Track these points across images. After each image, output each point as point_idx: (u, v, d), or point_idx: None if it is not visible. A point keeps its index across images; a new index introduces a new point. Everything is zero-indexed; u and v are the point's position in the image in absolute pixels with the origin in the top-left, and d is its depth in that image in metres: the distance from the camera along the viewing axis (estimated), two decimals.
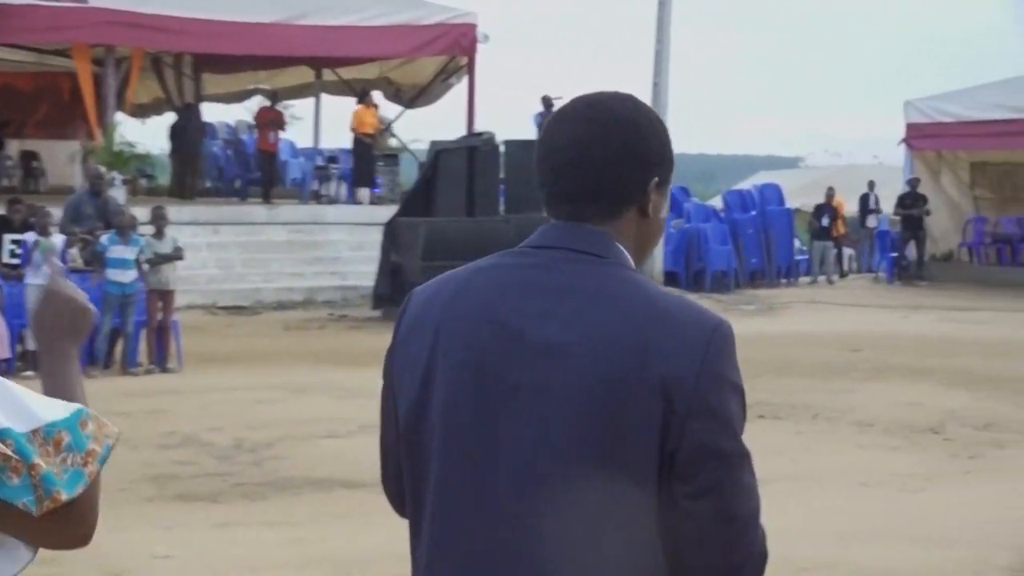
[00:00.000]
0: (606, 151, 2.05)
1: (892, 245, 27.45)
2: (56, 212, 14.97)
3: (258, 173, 24.64)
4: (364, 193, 23.73)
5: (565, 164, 2.06)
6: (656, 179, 2.08)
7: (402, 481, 2.14)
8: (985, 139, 26.34)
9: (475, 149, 18.55)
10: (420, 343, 2.08)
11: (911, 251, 26.51)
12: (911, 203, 26.33)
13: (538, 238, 2.09)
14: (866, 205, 28.62)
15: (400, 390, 2.11)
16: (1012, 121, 25.51)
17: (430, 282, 2.14)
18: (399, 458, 2.14)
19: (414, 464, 2.09)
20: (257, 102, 27.39)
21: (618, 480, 1.94)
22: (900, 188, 27.14)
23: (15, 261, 14.13)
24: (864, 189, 29.07)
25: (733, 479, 1.97)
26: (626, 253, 2.08)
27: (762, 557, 2.02)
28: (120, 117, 22.71)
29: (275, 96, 25.32)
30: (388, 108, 26.39)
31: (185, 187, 24.23)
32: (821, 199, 27.57)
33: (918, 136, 27.16)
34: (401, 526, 2.26)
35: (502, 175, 18.87)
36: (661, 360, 1.95)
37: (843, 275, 27.36)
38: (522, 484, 1.98)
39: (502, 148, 19.02)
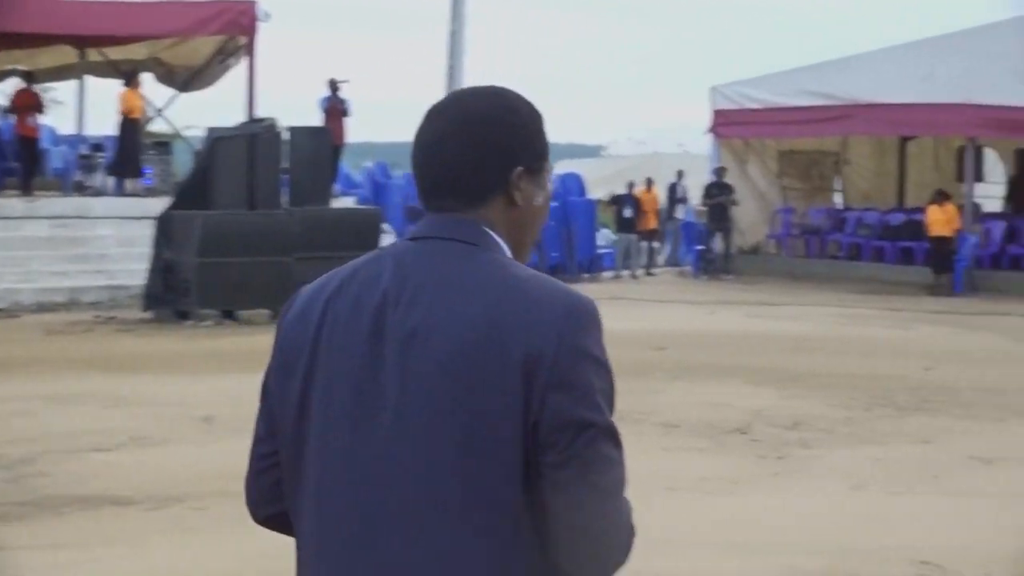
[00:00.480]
0: (457, 145, 2.29)
1: (698, 238, 28.08)
2: None
3: (15, 162, 23.94)
4: (133, 184, 23.25)
5: (425, 160, 2.32)
6: (520, 168, 2.31)
7: (269, 476, 2.36)
8: (793, 126, 27.15)
9: (256, 136, 18.36)
10: (303, 339, 2.30)
11: (717, 244, 27.18)
12: (717, 193, 27.00)
13: (415, 230, 2.33)
14: (674, 195, 29.17)
15: (281, 386, 2.32)
16: (820, 108, 26.36)
17: (317, 280, 2.36)
18: (271, 451, 2.35)
19: (295, 461, 2.30)
20: (13, 84, 26.61)
21: (483, 459, 2.16)
22: (707, 178, 27.80)
23: None
24: (670, 178, 29.69)
25: (593, 449, 2.15)
26: (498, 239, 2.30)
27: (629, 529, 2.20)
28: None
29: (32, 77, 24.63)
30: (160, 91, 25.94)
31: None
32: (624, 189, 28.02)
33: (725, 123, 27.85)
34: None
35: (285, 164, 18.71)
36: (520, 337, 2.16)
37: (649, 270, 27.90)
38: (387, 471, 2.19)
39: (285, 135, 18.85)
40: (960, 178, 26.95)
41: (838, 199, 30.68)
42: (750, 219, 28.35)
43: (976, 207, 26.73)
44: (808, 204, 29.04)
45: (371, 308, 2.25)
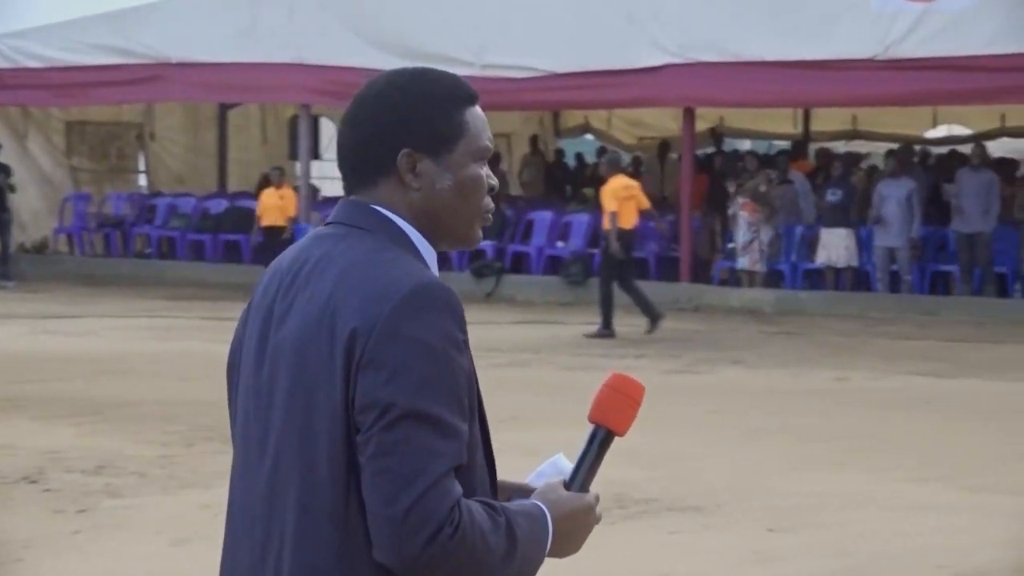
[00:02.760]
0: (348, 128, 2.94)
1: None
2: None
3: None
4: None
5: (337, 147, 2.99)
6: (407, 150, 2.89)
7: None
8: (83, 91, 26.89)
9: None
10: (241, 321, 3.02)
11: None
12: None
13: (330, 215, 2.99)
14: None
15: (229, 372, 3.08)
16: (117, 67, 26.30)
17: None
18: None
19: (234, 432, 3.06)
20: None
21: (317, 436, 2.78)
22: None
23: None
24: None
25: (394, 432, 2.68)
26: (397, 221, 2.90)
27: (438, 521, 2.65)
28: None
29: None
30: None
31: None
32: None
33: None
34: None
35: None
36: (349, 316, 2.75)
37: None
38: (259, 451, 2.90)
39: None
40: (294, 155, 27.70)
41: (143, 182, 30.78)
42: (33, 209, 27.92)
43: (314, 190, 27.55)
44: (106, 189, 28.94)
45: (271, 292, 2.93)
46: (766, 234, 23.27)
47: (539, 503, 2.86)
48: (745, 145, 32.34)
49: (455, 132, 2.91)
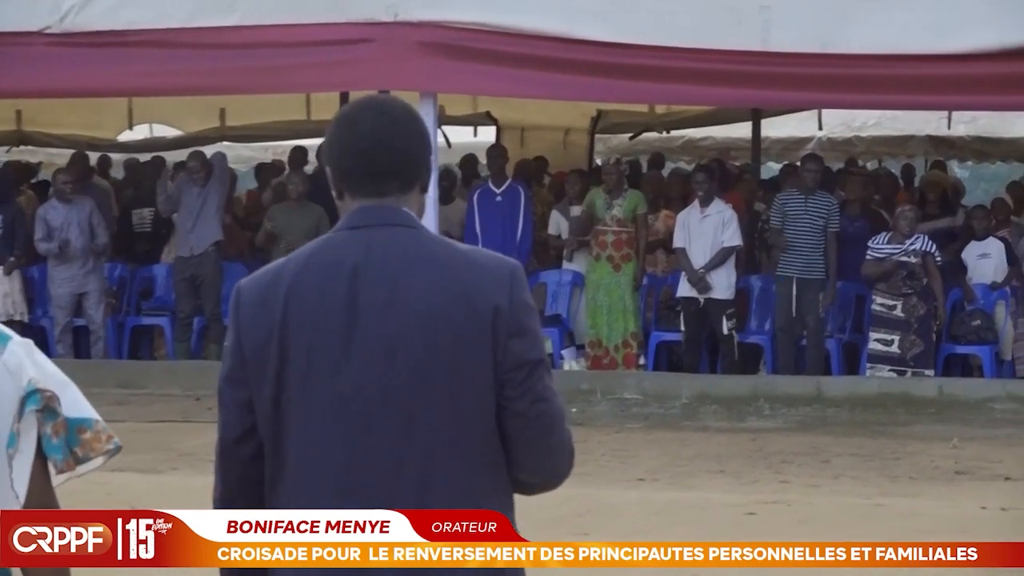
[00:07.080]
0: (403, 138, 4.52)
1: None
2: None
3: None
4: None
5: (371, 148, 4.50)
6: (429, 164, 4.62)
7: (244, 445, 4.48)
8: None
9: None
10: (268, 326, 4.41)
11: None
12: None
13: (353, 220, 4.50)
14: None
15: (256, 369, 4.42)
16: None
17: (257, 273, 4.51)
18: (244, 429, 4.46)
19: (278, 424, 4.43)
20: None
21: (470, 387, 4.39)
22: None
23: None
24: None
25: (543, 381, 4.43)
26: (420, 221, 4.53)
27: (572, 448, 4.52)
28: None
29: None
30: None
31: None
32: None
33: None
34: None
35: None
36: (483, 295, 4.39)
37: None
38: (377, 410, 4.36)
39: None
40: None
41: None
42: None
43: None
44: None
45: (341, 287, 4.39)
46: None
47: None
48: None
49: None
